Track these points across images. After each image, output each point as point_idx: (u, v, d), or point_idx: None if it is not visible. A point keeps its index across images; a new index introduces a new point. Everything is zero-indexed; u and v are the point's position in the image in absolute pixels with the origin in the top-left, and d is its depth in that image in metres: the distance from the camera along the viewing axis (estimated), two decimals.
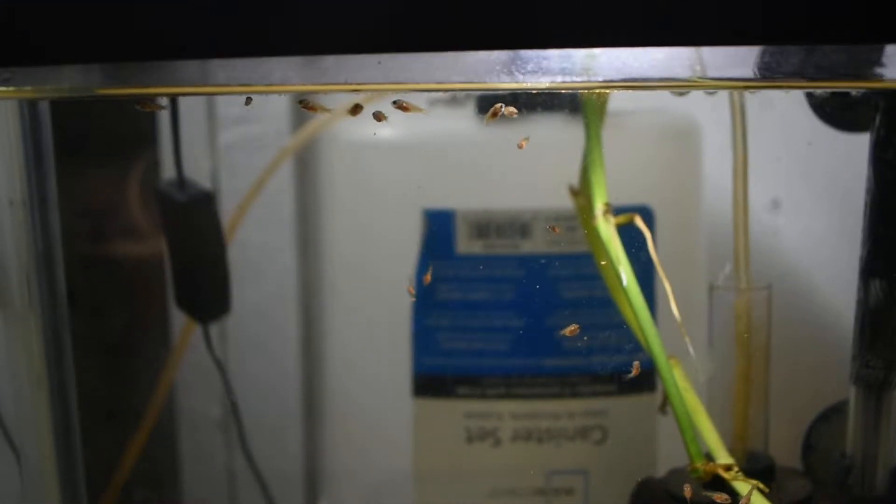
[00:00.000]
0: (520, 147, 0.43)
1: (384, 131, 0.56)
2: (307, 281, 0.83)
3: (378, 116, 0.41)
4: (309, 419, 0.84)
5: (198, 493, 0.85)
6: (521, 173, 0.54)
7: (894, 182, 0.46)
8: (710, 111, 0.54)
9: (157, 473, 0.83)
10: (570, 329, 0.45)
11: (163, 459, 0.84)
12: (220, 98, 0.83)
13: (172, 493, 0.84)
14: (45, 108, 0.46)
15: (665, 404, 0.47)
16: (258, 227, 0.83)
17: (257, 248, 0.83)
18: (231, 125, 0.83)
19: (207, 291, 0.57)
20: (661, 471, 0.50)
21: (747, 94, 0.49)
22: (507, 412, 0.54)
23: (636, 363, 0.43)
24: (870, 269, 0.47)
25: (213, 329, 0.83)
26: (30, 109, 0.45)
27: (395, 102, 0.39)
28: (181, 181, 0.55)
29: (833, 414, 0.51)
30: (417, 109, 0.39)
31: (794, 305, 0.64)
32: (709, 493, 0.45)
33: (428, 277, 0.52)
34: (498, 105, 0.39)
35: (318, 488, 0.79)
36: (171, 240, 0.57)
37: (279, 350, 0.84)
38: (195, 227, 0.55)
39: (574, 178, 0.48)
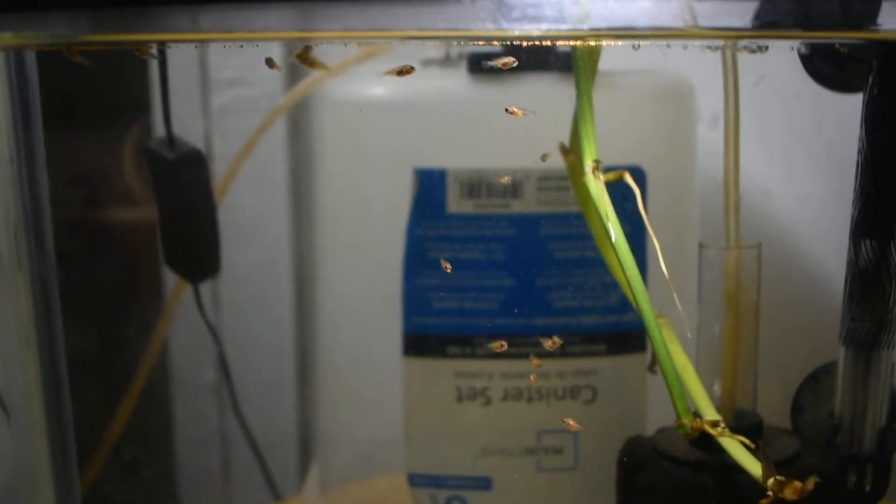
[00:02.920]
0: (513, 114, 0.43)
1: (375, 90, 0.56)
2: (301, 243, 0.83)
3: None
4: (302, 381, 0.84)
5: (191, 455, 0.85)
6: (512, 133, 0.53)
7: (886, 142, 0.45)
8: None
9: (149, 434, 0.83)
10: (550, 343, 0.46)
11: (156, 422, 0.85)
12: (213, 61, 0.82)
13: (166, 455, 0.84)
14: (32, 64, 0.45)
15: (654, 363, 0.47)
16: (251, 191, 0.83)
17: (250, 211, 0.83)
18: (224, 88, 0.82)
19: (197, 251, 0.57)
20: (650, 430, 0.50)
21: (740, 56, 0.48)
22: (497, 372, 0.55)
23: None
24: (860, 229, 0.47)
25: (207, 292, 0.84)
26: (16, 65, 0.45)
27: (299, 56, 0.38)
28: (170, 139, 0.55)
29: (822, 374, 0.51)
30: (322, 67, 0.38)
31: (785, 266, 0.64)
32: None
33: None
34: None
35: (311, 450, 0.80)
36: (161, 198, 0.57)
37: (273, 313, 0.84)
38: (184, 185, 0.55)
39: (566, 138, 0.48)
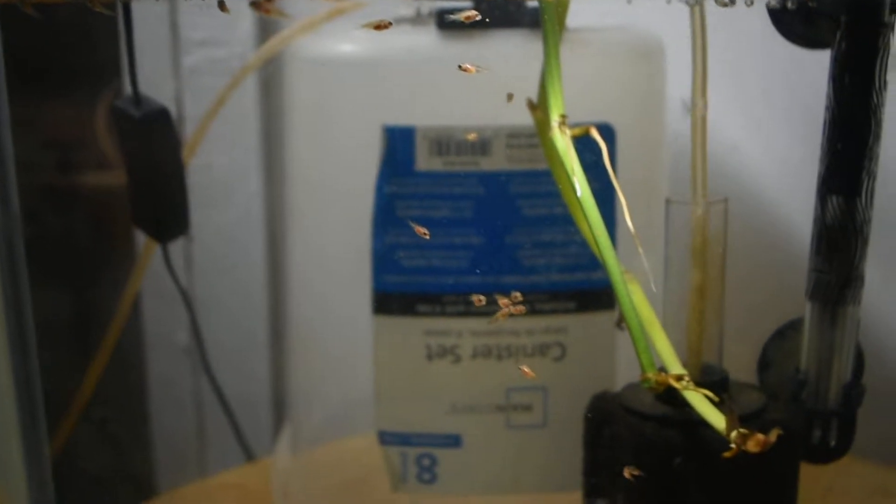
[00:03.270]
0: (466, 71, 0.43)
1: (344, 47, 0.55)
2: (273, 205, 0.83)
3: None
4: (275, 343, 0.84)
5: (165, 417, 0.86)
6: (481, 90, 0.53)
7: (853, 98, 0.45)
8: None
9: (122, 397, 0.83)
10: (505, 303, 0.46)
11: (129, 384, 0.85)
12: (183, 20, 0.81)
13: (139, 417, 0.84)
14: None
15: (622, 320, 0.47)
16: (223, 152, 0.82)
17: (222, 172, 0.83)
18: (194, 48, 0.81)
19: (165, 210, 0.57)
20: (620, 388, 0.51)
21: (709, 11, 0.48)
22: (466, 329, 0.55)
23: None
24: (828, 185, 0.47)
25: (179, 254, 0.83)
26: None
27: (252, 3, 0.38)
28: (137, 97, 0.54)
29: (789, 330, 0.52)
30: (279, 14, 0.38)
31: (752, 222, 0.64)
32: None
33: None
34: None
35: (285, 411, 0.80)
36: (128, 157, 0.56)
37: (245, 274, 0.84)
38: (151, 143, 0.55)
39: (535, 95, 0.47)
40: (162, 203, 0.56)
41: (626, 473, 0.44)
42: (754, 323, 0.53)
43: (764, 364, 0.53)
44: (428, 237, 0.51)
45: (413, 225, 0.49)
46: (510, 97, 0.45)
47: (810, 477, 0.49)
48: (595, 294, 0.55)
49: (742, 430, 0.40)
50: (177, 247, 0.82)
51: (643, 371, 0.43)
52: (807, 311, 0.49)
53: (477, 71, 0.42)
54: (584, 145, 0.44)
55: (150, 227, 0.58)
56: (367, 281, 0.56)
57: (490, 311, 0.53)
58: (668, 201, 0.47)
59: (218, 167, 0.83)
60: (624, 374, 0.55)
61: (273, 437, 0.81)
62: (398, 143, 0.53)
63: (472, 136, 0.52)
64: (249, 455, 0.76)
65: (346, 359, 0.61)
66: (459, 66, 0.42)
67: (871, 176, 0.46)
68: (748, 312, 0.53)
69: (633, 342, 0.42)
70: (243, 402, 0.80)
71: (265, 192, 0.83)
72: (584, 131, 0.43)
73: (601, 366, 0.56)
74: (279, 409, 0.85)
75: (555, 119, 0.43)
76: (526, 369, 0.51)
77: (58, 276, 0.79)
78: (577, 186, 0.41)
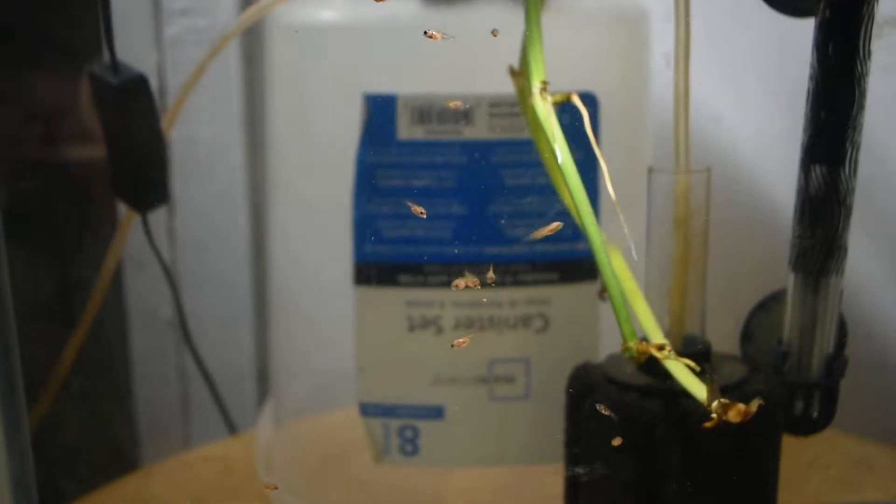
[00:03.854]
0: (432, 38, 0.42)
1: (326, 15, 0.55)
2: (257, 176, 0.82)
3: None
4: (259, 316, 0.84)
5: (148, 391, 0.85)
6: (464, 58, 0.52)
7: (837, 67, 0.45)
8: None
9: (105, 371, 0.83)
10: (471, 282, 0.45)
11: (113, 358, 0.84)
12: None
13: (123, 391, 0.84)
14: None
15: (604, 290, 0.46)
16: (206, 123, 0.81)
17: (205, 145, 0.82)
18: (176, 18, 0.81)
19: (144, 179, 0.56)
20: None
21: None
22: (448, 300, 0.54)
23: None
24: (811, 155, 0.47)
25: (162, 228, 0.83)
26: None
27: None
28: (114, 65, 0.54)
29: (772, 302, 0.52)
30: None
31: (736, 194, 0.64)
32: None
33: None
34: None
35: (268, 385, 0.80)
36: (106, 125, 0.56)
37: (229, 248, 0.83)
38: (129, 111, 0.54)
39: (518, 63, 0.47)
40: (141, 171, 0.56)
41: (616, 442, 0.44)
42: (737, 295, 0.53)
43: (747, 336, 0.52)
44: (425, 216, 0.51)
45: (410, 204, 0.48)
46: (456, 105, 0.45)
47: (793, 451, 0.49)
48: (578, 265, 0.54)
49: (723, 399, 0.40)
50: (159, 220, 0.82)
51: (625, 340, 0.43)
52: (789, 281, 0.48)
53: (443, 38, 0.41)
54: (567, 115, 0.44)
55: (130, 196, 0.57)
56: (349, 252, 0.55)
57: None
58: (650, 170, 0.47)
59: (200, 140, 0.82)
60: (607, 346, 0.55)
61: (256, 411, 0.81)
62: (379, 111, 0.53)
63: (456, 105, 0.51)
64: (232, 428, 0.76)
65: (329, 332, 0.60)
66: (425, 33, 0.41)
67: (855, 146, 0.46)
68: (731, 284, 0.53)
69: (615, 311, 0.42)
70: (227, 375, 0.80)
71: (248, 165, 0.82)
72: (565, 98, 0.42)
73: (584, 337, 0.56)
74: (263, 382, 0.84)
75: (536, 85, 0.42)
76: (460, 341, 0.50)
77: (39, 247, 0.78)
78: (559, 153, 0.40)
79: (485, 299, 0.48)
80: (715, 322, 0.50)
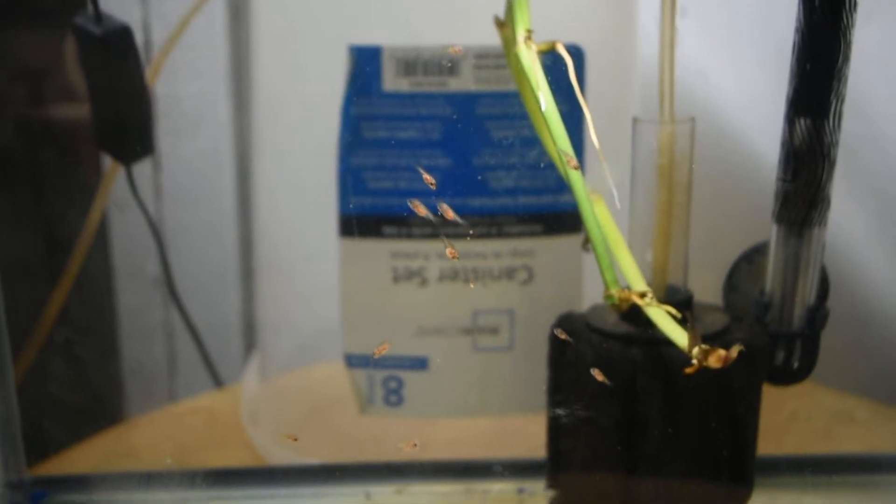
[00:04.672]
0: None
1: None
2: (243, 134, 0.82)
3: None
4: (245, 271, 0.84)
5: (135, 346, 0.85)
6: (450, 9, 0.52)
7: (822, 20, 0.45)
8: None
9: (91, 326, 0.82)
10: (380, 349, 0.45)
11: (99, 315, 0.84)
12: None
13: (109, 347, 0.84)
14: None
15: (587, 241, 0.47)
16: (192, 79, 0.81)
17: (192, 102, 0.82)
18: None
19: (128, 129, 0.56)
20: None
21: None
22: (433, 252, 0.54)
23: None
24: (795, 107, 0.47)
25: (148, 184, 0.82)
26: None
27: None
28: (97, 14, 0.53)
29: (756, 254, 0.52)
30: None
31: (720, 146, 0.64)
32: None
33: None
34: None
35: (254, 339, 0.80)
36: (90, 76, 0.55)
37: (215, 204, 0.83)
38: (112, 61, 0.54)
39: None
40: (124, 122, 0.56)
41: (597, 375, 0.44)
42: (721, 247, 0.53)
43: (730, 288, 0.53)
44: (434, 186, 0.50)
45: (420, 169, 0.48)
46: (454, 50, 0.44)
47: (774, 403, 0.49)
48: (562, 217, 0.55)
49: (704, 346, 0.40)
50: (145, 176, 0.81)
51: (607, 288, 0.43)
52: (773, 233, 0.49)
53: None
54: (553, 68, 0.43)
55: (114, 147, 0.57)
56: (335, 205, 0.55)
57: (455, 233, 0.53)
58: (634, 120, 0.47)
59: (186, 96, 0.81)
60: (590, 299, 0.55)
61: (242, 366, 0.81)
62: (364, 63, 0.52)
63: (456, 51, 0.50)
64: (219, 383, 0.76)
65: (314, 286, 0.61)
66: None
67: (840, 98, 0.46)
68: (715, 237, 0.53)
69: (597, 259, 0.42)
70: (213, 330, 0.80)
71: (235, 121, 0.82)
72: (549, 46, 0.42)
73: (568, 289, 0.56)
74: (249, 337, 0.85)
75: (520, 34, 0.42)
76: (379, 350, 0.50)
77: (24, 203, 0.78)
78: (543, 101, 0.40)
79: (453, 254, 0.47)
80: (698, 275, 0.50)
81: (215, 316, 0.83)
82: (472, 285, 0.54)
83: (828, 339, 0.50)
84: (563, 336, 0.44)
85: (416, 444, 0.46)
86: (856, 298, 0.70)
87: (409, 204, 0.44)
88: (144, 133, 0.57)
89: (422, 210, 0.45)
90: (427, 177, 0.47)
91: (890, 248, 0.70)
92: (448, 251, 0.44)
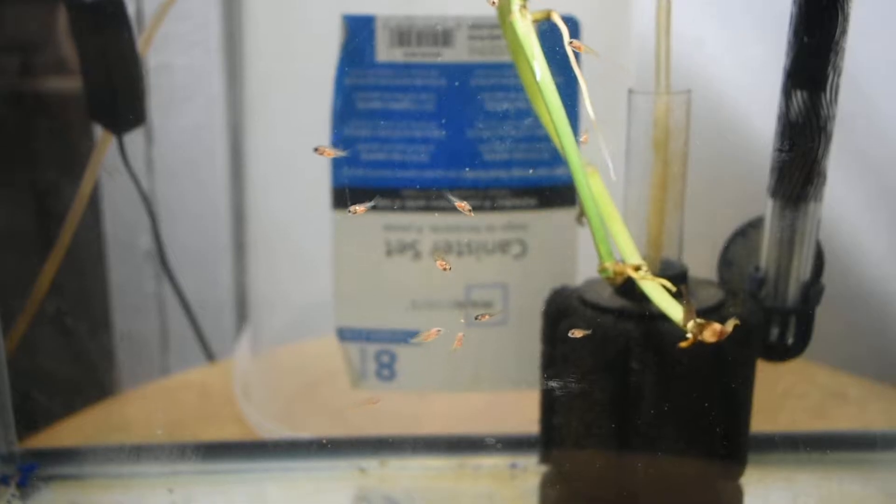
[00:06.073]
0: None
1: None
2: (235, 106, 0.81)
3: None
4: (238, 245, 0.83)
5: (127, 320, 0.85)
6: None
7: None
8: None
9: (83, 300, 0.82)
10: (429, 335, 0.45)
11: (92, 288, 0.84)
12: None
13: (101, 320, 0.84)
14: None
15: (582, 214, 0.46)
16: (185, 52, 0.80)
17: (184, 73, 0.81)
18: None
19: (119, 99, 0.55)
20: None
21: None
22: (426, 225, 0.54)
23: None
24: (792, 80, 0.46)
25: (140, 157, 0.82)
26: None
27: None
28: None
29: (751, 229, 0.51)
30: None
31: (717, 119, 0.63)
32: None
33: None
34: None
35: (246, 313, 0.79)
36: (81, 45, 0.55)
37: (208, 177, 0.83)
38: (103, 30, 0.53)
39: None
40: (116, 91, 0.55)
41: (577, 334, 0.44)
42: (716, 221, 0.52)
43: (725, 263, 0.52)
44: (471, 214, 0.49)
45: (453, 199, 0.46)
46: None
47: (768, 380, 0.49)
48: (556, 191, 0.54)
49: (699, 320, 0.40)
50: (138, 149, 0.81)
51: (601, 261, 0.42)
52: (768, 207, 0.48)
53: None
54: (547, 39, 0.43)
55: (105, 117, 0.56)
56: (328, 178, 0.55)
57: (449, 206, 0.52)
58: (630, 91, 0.46)
59: (179, 68, 0.81)
60: (584, 274, 0.55)
61: (235, 340, 0.81)
62: (358, 32, 0.52)
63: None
64: (211, 358, 0.76)
65: (306, 260, 0.60)
66: None
67: (837, 70, 0.46)
68: (710, 212, 0.53)
69: (592, 232, 0.42)
70: (205, 305, 0.79)
71: (227, 94, 0.81)
72: (545, 15, 0.42)
73: (562, 264, 0.55)
74: (241, 311, 0.84)
75: (515, 3, 0.41)
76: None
77: (15, 176, 0.77)
78: (537, 70, 0.40)
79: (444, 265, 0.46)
80: (693, 250, 0.49)
81: (207, 290, 0.82)
82: (453, 260, 0.54)
83: (823, 317, 0.49)
84: (578, 335, 0.44)
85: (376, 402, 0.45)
86: (850, 276, 0.70)
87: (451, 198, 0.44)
88: (136, 102, 0.56)
89: (461, 205, 0.44)
90: (460, 205, 0.46)
91: (884, 225, 0.70)
92: (439, 264, 0.44)
